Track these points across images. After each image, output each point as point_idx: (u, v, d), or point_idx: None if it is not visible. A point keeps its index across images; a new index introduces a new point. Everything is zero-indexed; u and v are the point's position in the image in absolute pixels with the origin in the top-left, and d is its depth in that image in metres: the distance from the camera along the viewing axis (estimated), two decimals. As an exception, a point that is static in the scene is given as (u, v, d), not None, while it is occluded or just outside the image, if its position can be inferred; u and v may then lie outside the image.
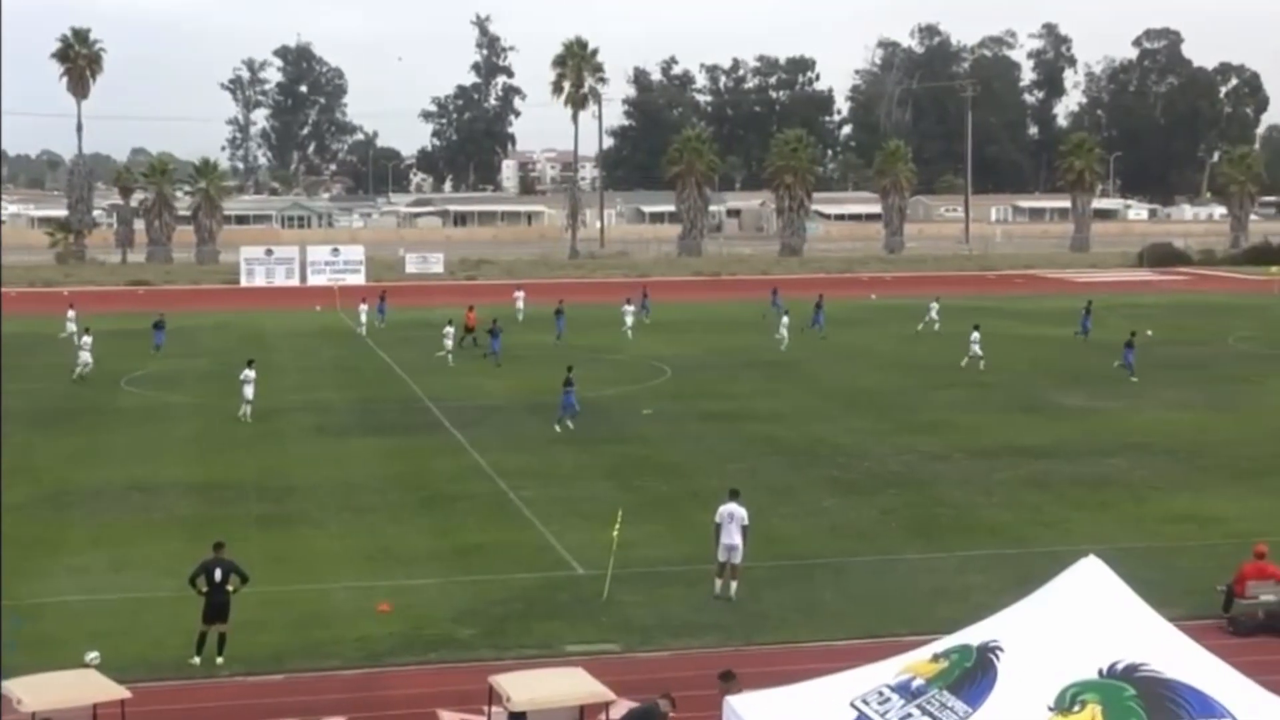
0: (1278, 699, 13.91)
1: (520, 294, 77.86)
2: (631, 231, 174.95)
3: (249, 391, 46.78)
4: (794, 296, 77.94)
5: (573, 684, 19.86)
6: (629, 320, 70.44)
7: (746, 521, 27.42)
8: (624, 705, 20.06)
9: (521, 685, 19.48)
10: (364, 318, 72.60)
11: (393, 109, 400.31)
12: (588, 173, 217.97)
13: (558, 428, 44.68)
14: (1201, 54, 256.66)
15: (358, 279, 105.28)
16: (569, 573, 29.36)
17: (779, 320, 67.38)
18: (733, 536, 27.25)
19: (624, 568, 28.24)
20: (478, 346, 63.90)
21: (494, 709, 19.73)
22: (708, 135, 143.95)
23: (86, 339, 57.03)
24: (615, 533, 27.96)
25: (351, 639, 25.13)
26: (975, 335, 59.18)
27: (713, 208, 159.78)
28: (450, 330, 61.70)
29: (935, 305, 73.80)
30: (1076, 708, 13.00)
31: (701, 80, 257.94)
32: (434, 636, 25.35)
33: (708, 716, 17.66)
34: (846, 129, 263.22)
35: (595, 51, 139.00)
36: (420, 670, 23.81)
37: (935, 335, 69.52)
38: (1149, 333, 65.47)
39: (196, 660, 23.78)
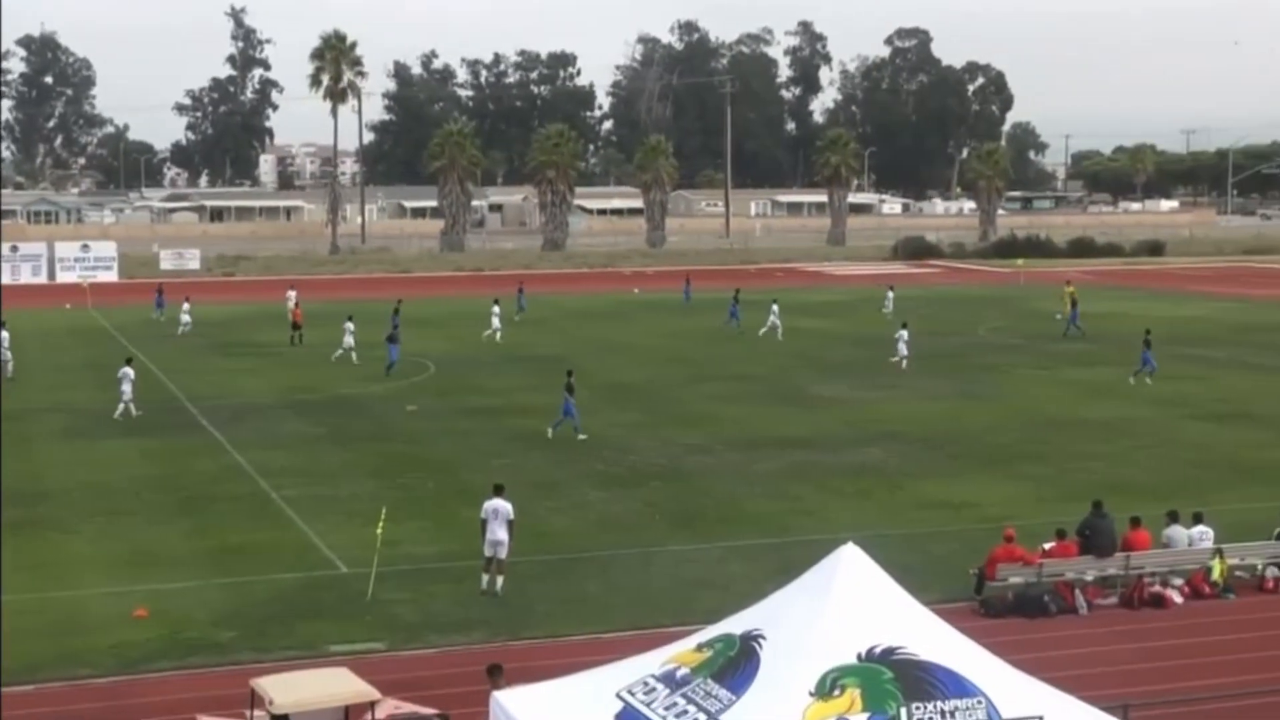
0: (1026, 677, 14.37)
1: (292, 293, 76.55)
2: (393, 227, 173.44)
3: (127, 389, 45.99)
4: (557, 290, 78.03)
5: (337, 684, 19.60)
6: (496, 322, 67.77)
7: (512, 516, 27.38)
8: (390, 704, 19.87)
9: (283, 687, 19.15)
10: (186, 316, 70.70)
11: (144, 101, 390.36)
12: (348, 167, 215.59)
13: (551, 433, 42.98)
14: (950, 53, 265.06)
15: (110, 276, 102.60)
16: (333, 572, 28.98)
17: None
18: (498, 532, 27.19)
19: (389, 565, 27.99)
20: (302, 344, 63.99)
21: (256, 712, 19.36)
22: (469, 130, 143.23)
23: (4, 334, 54.94)
24: (379, 530, 27.69)
25: (106, 646, 24.40)
26: (903, 334, 58.52)
27: (475, 203, 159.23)
28: (350, 326, 60.23)
29: (890, 295, 76.14)
30: (836, 692, 13.24)
31: (463, 74, 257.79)
32: (193, 640, 24.77)
33: (475, 712, 17.59)
34: (608, 124, 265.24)
35: (354, 45, 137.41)
36: (179, 675, 23.22)
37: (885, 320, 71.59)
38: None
39: (-59, 673, 22.88)
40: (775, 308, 69.10)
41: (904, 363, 57.53)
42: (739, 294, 74.28)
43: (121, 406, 46.11)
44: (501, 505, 27.43)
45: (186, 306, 71.57)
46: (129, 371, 46.76)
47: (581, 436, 42.58)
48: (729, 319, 71.52)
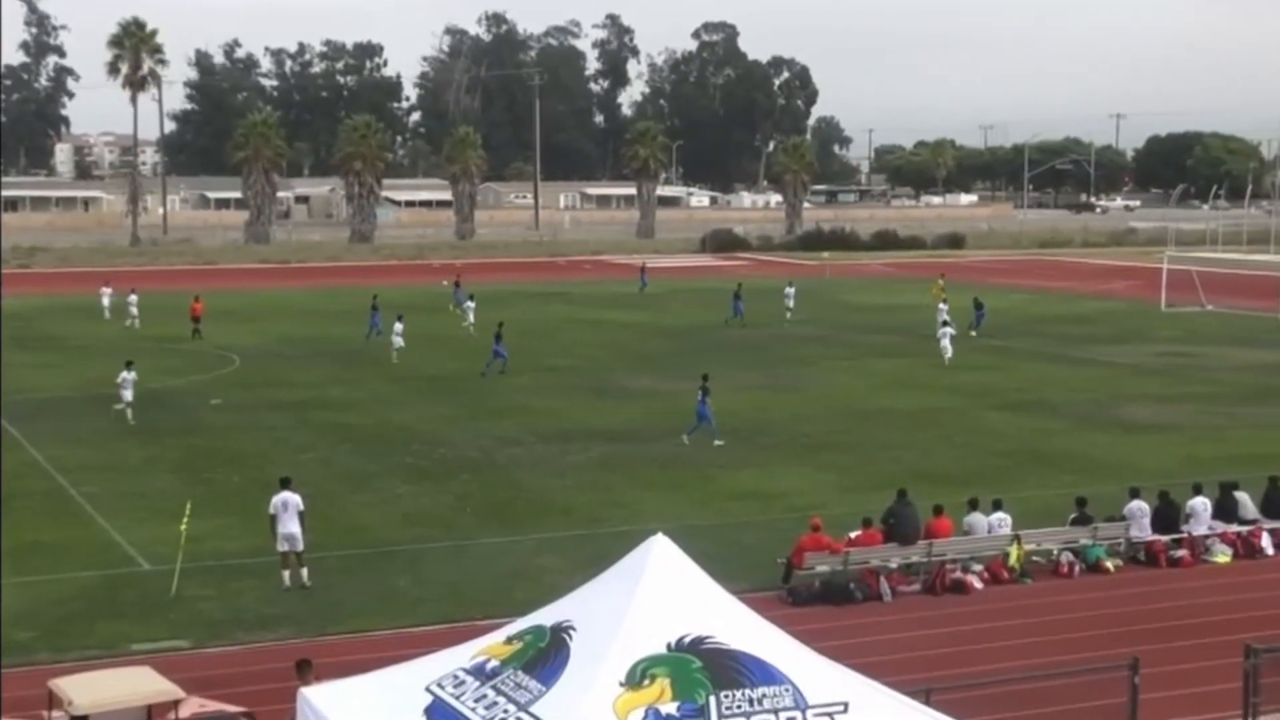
0: (833, 664, 14.59)
1: (107, 289, 74.42)
2: (196, 218, 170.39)
3: (128, 394, 44.30)
4: (365, 283, 77.13)
5: (139, 683, 19.19)
6: (470, 316, 67.54)
7: (302, 508, 27.06)
8: (194, 702, 19.52)
9: (83, 687, 18.71)
10: (133, 309, 68.71)
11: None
12: (149, 157, 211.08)
13: (717, 441, 40.67)
14: (756, 48, 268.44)
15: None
16: (135, 569, 28.39)
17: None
18: (290, 525, 26.86)
19: (194, 562, 27.49)
20: (202, 338, 62.90)
21: (55, 713, 18.88)
22: (274, 120, 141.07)
23: None
24: (184, 526, 27.18)
25: (-104, 649, 23.61)
26: (948, 330, 57.74)
27: (281, 194, 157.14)
28: (399, 327, 58.67)
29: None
30: (646, 682, 13.29)
31: (266, 64, 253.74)
32: (-12, 642, 24.08)
33: (283, 709, 17.37)
34: (416, 115, 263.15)
35: (154, 32, 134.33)
36: (-27, 679, 22.56)
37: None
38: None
39: None
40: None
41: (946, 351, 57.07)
42: (741, 286, 74.22)
43: (120, 407, 44.38)
44: (290, 497, 27.13)
45: (134, 299, 69.86)
46: (129, 376, 44.78)
47: (715, 442, 40.56)
48: (733, 314, 71.10)
